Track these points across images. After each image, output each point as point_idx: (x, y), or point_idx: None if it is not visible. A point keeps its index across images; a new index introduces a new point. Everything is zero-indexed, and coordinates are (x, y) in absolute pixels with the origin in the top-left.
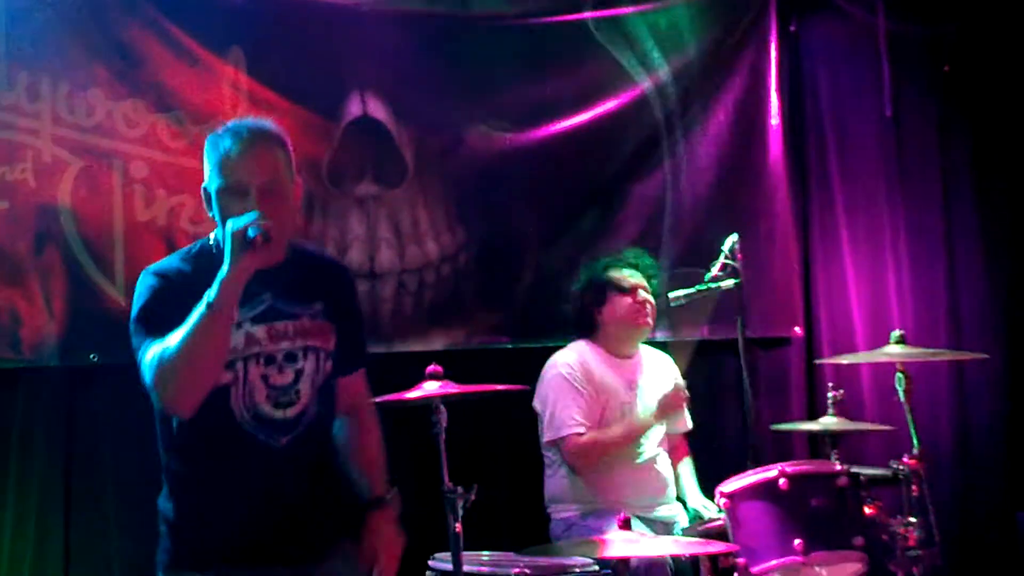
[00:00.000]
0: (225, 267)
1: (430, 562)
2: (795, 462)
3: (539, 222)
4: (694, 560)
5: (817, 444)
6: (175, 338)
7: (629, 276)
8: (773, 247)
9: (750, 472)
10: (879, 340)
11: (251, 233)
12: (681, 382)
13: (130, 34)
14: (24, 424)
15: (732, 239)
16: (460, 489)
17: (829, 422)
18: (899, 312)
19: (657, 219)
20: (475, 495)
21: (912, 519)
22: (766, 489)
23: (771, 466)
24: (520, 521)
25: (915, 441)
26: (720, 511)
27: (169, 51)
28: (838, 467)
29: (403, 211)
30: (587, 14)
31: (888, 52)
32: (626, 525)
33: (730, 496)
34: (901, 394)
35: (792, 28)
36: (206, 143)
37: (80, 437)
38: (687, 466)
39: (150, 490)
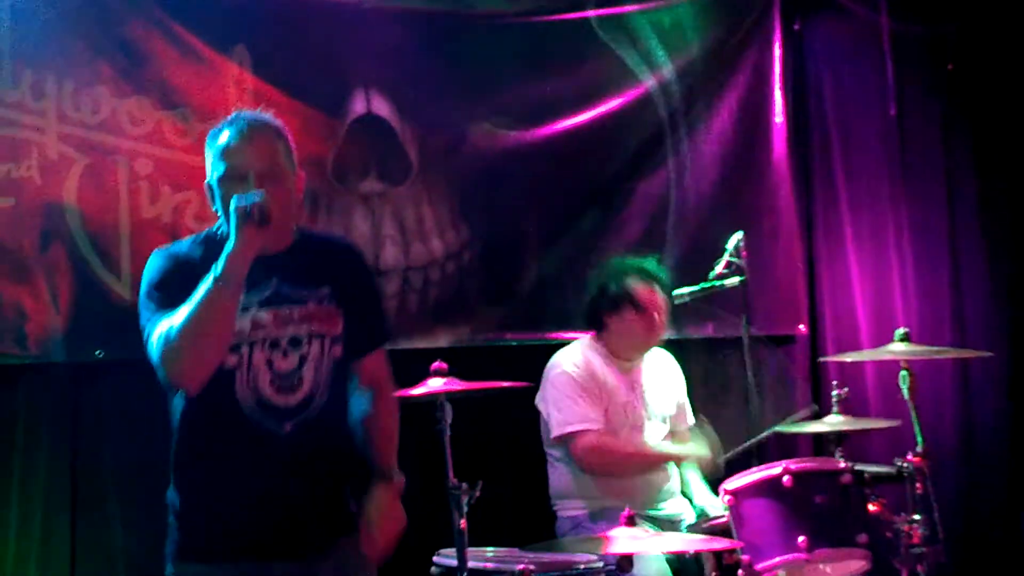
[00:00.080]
0: (231, 242)
1: (435, 558)
2: (799, 459)
3: (543, 220)
4: (699, 557)
5: (821, 441)
6: (182, 312)
7: (649, 295)
8: (777, 245)
9: (754, 469)
10: (883, 338)
11: (251, 200)
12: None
13: (134, 32)
14: (29, 420)
15: (736, 237)
16: (465, 485)
17: (834, 421)
18: (903, 310)
19: (661, 217)
20: (480, 491)
21: (916, 516)
22: (770, 486)
23: (775, 463)
24: (525, 517)
25: (919, 439)
26: (725, 508)
27: (174, 49)
28: (842, 464)
29: (407, 208)
30: (590, 12)
31: (891, 51)
32: (630, 522)
33: (734, 493)
34: (905, 392)
35: (796, 27)
36: (207, 138)
37: (85, 433)
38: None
39: (156, 486)
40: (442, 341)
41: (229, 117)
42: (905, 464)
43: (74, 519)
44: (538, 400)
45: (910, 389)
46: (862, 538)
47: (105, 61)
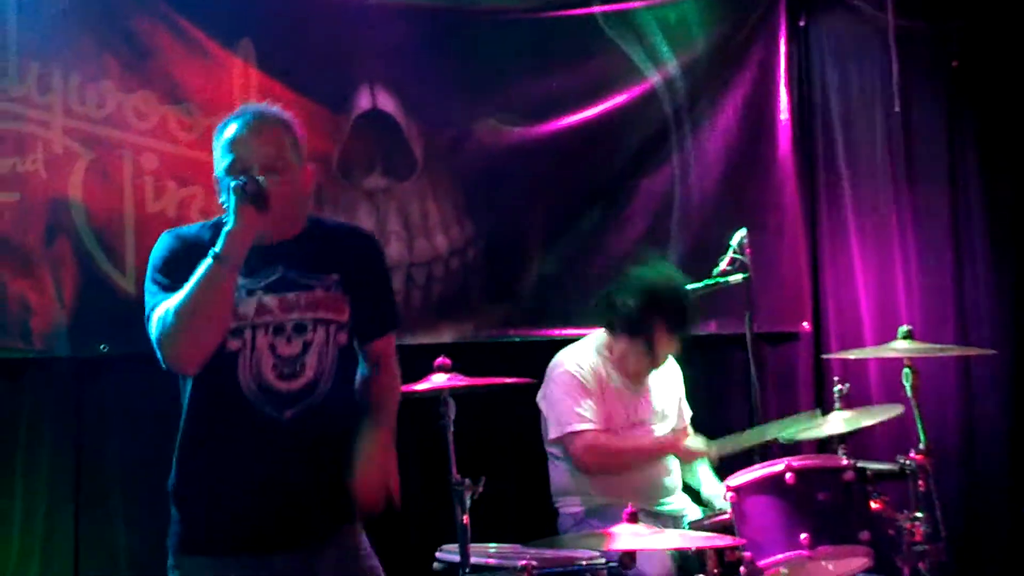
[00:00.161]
0: (229, 222)
1: (438, 553)
2: (802, 456)
3: (547, 216)
4: (701, 553)
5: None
6: (181, 294)
7: (667, 343)
8: (781, 242)
9: (757, 466)
10: (887, 335)
11: (244, 181)
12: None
13: (140, 26)
14: (33, 414)
15: (740, 234)
16: (468, 481)
17: (836, 417)
18: (907, 307)
19: (665, 214)
20: (482, 487)
21: (918, 514)
22: (773, 483)
23: (778, 460)
24: (527, 513)
25: (922, 436)
26: (728, 504)
27: (179, 43)
28: (844, 462)
29: (412, 204)
30: (596, 8)
31: (897, 48)
32: (633, 519)
33: (737, 490)
34: (908, 389)
35: (801, 23)
36: (215, 131)
37: (89, 428)
38: None
39: (160, 481)
40: (446, 337)
41: (237, 110)
42: (908, 461)
43: (78, 514)
44: (539, 397)
45: (913, 387)
46: (864, 535)
47: (111, 55)
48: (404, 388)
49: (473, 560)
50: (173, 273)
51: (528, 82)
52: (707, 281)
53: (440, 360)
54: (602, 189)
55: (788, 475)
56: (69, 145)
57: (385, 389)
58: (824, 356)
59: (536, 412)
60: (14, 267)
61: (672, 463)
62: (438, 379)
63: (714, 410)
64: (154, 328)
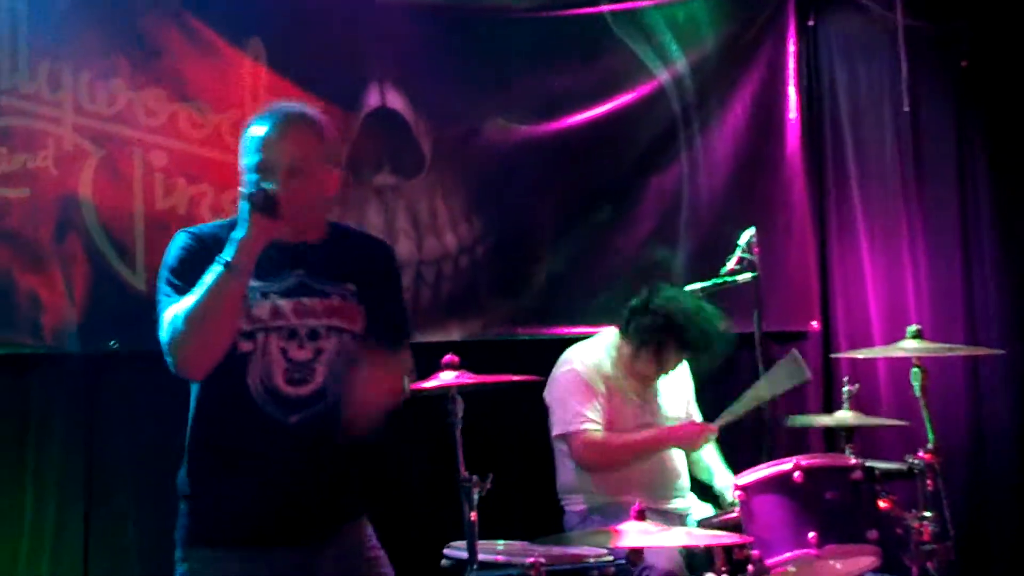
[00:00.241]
0: (240, 229)
1: (446, 550)
2: (810, 455)
3: (555, 214)
4: (709, 551)
5: (832, 438)
6: (190, 299)
7: (676, 359)
8: (790, 241)
9: (765, 465)
10: (895, 335)
11: (259, 187)
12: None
13: (151, 24)
14: (44, 411)
15: (749, 233)
16: (476, 478)
17: (844, 416)
18: (915, 307)
19: (674, 212)
20: (490, 484)
21: (926, 513)
22: (781, 482)
23: (786, 459)
24: (534, 511)
25: (930, 435)
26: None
27: (189, 41)
28: (853, 461)
29: (421, 202)
30: (604, 7)
31: (906, 47)
32: (641, 516)
33: (745, 489)
34: (917, 389)
35: (810, 22)
36: (245, 127)
37: (99, 424)
38: (710, 448)
39: (170, 477)
40: (454, 335)
41: (269, 108)
42: (916, 461)
43: (88, 510)
44: (545, 394)
45: (922, 386)
46: (872, 534)
47: (121, 53)
48: (413, 386)
49: (481, 557)
50: (187, 274)
51: (537, 80)
52: (715, 280)
53: (448, 358)
54: (610, 188)
55: (796, 474)
56: (79, 142)
57: (373, 381)
58: (833, 355)
59: (543, 409)
60: (24, 263)
61: (681, 465)
62: (446, 377)
63: (722, 409)
64: (165, 332)
